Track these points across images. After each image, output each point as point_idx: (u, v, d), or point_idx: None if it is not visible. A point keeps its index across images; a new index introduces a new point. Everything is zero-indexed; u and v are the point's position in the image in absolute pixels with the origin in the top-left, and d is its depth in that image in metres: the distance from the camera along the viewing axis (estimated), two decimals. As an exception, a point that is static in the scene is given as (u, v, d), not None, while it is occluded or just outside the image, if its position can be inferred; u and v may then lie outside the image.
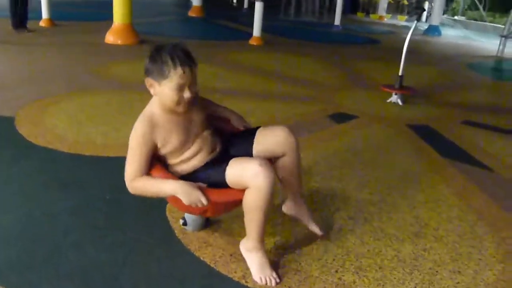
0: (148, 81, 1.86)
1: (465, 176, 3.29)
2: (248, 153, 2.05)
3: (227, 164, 1.89)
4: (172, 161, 1.96)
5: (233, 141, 2.12)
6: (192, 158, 1.96)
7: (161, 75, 1.80)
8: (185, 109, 1.90)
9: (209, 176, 1.91)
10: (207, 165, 1.96)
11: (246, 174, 1.81)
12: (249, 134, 2.11)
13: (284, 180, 2.17)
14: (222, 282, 1.92)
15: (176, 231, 2.24)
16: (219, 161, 1.95)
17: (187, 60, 1.80)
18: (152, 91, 1.88)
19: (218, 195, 1.90)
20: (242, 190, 1.86)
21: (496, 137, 4.35)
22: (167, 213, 2.39)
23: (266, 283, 1.90)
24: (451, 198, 2.90)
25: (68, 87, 4.84)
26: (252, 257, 1.95)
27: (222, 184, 1.89)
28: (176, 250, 2.10)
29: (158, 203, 2.37)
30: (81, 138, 3.40)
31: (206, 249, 2.12)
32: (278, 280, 1.92)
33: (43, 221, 2.25)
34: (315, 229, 2.24)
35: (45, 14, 9.58)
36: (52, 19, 9.70)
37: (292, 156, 2.07)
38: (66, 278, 1.85)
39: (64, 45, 7.68)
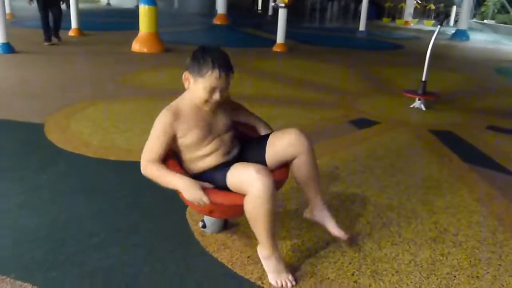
0: (186, 75, 1.97)
1: (487, 182, 3.25)
2: (261, 158, 2.09)
3: (228, 168, 1.95)
4: (188, 155, 2.04)
5: (247, 146, 2.17)
6: (207, 156, 2.03)
7: (199, 73, 1.91)
8: (211, 109, 2.00)
9: (214, 178, 1.97)
10: (218, 167, 2.01)
11: (243, 180, 1.84)
12: (263, 139, 2.15)
13: (301, 183, 2.18)
14: (238, 283, 1.96)
15: (195, 233, 2.30)
16: (230, 164, 1.98)
17: (225, 66, 1.91)
18: (186, 84, 2.00)
19: (220, 197, 1.93)
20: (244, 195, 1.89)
21: (523, 143, 4.28)
22: (187, 216, 2.45)
23: (282, 286, 1.93)
24: (473, 204, 2.88)
25: (95, 95, 4.99)
26: (267, 262, 1.97)
27: (226, 187, 1.95)
28: (195, 251, 2.16)
29: (179, 207, 2.43)
30: (106, 144, 3.50)
31: (224, 251, 2.17)
32: (294, 283, 1.95)
33: (69, 224, 2.34)
34: (339, 233, 2.18)
35: (74, 24, 9.88)
36: (81, 28, 9.99)
37: (305, 157, 2.09)
38: (89, 277, 1.92)
39: (91, 54, 7.91)
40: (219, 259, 2.11)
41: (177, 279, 1.95)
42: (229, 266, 2.06)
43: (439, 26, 5.16)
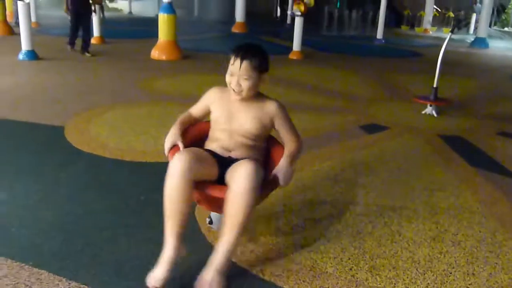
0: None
1: (492, 185, 3.30)
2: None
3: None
4: (209, 133, 2.29)
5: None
6: (211, 141, 2.24)
7: (230, 55, 2.15)
8: (236, 99, 2.17)
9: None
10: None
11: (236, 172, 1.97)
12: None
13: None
14: (241, 274, 2.07)
15: (202, 229, 2.42)
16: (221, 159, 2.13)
17: (243, 54, 2.09)
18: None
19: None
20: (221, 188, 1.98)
21: (532, 148, 4.30)
22: (196, 212, 2.57)
23: None
24: (475, 205, 2.93)
25: (113, 99, 5.18)
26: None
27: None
28: (201, 245, 2.28)
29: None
30: (123, 146, 3.66)
31: (228, 245, 2.27)
32: (159, 284, 1.88)
33: (83, 218, 2.49)
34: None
35: (96, 32, 10.17)
36: (103, 36, 10.28)
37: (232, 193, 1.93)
38: (100, 267, 2.05)
39: (112, 61, 8.15)
40: (223, 253, 2.22)
41: (183, 271, 2.07)
42: (233, 259, 2.17)
43: (450, 34, 5.22)
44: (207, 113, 2.31)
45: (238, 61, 2.08)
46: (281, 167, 2.11)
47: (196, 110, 2.34)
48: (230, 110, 2.20)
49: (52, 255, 2.12)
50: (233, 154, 2.19)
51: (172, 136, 2.18)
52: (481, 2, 14.75)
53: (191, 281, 1.91)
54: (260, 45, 2.21)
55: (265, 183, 1.99)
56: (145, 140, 3.81)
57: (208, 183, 2.04)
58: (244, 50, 2.11)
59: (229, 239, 1.91)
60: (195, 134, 2.35)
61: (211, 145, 2.23)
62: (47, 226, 2.37)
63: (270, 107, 2.25)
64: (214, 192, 2.01)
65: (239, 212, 1.87)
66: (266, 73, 2.21)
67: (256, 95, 2.24)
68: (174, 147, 2.15)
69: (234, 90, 2.14)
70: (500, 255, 2.37)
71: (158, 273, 1.89)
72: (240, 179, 1.88)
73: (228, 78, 2.15)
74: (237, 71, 2.09)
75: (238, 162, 2.01)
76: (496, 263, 2.29)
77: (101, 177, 3.07)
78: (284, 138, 2.30)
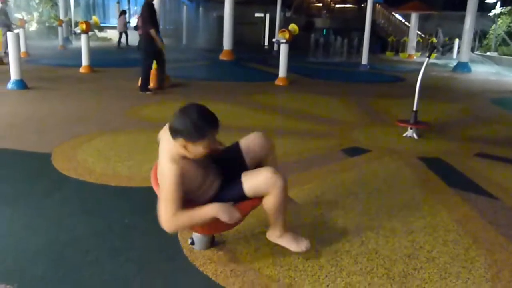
0: (182, 141, 2.10)
1: (468, 204, 3.41)
2: (244, 166, 2.39)
3: (239, 181, 2.26)
4: (193, 195, 2.23)
5: (224, 163, 2.39)
6: (209, 189, 2.29)
7: (196, 137, 2.08)
8: (203, 156, 2.20)
9: (230, 195, 2.26)
10: (224, 187, 2.31)
11: (264, 184, 2.23)
12: (235, 151, 2.42)
13: (269, 215, 2.42)
14: (220, 293, 2.14)
15: (184, 250, 2.49)
16: (228, 181, 2.30)
17: (213, 133, 2.13)
18: (183, 150, 2.12)
19: (245, 207, 2.27)
20: (260, 198, 2.29)
21: (508, 168, 4.44)
22: (179, 234, 2.64)
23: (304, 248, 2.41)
24: (451, 224, 3.03)
25: (100, 127, 5.27)
26: (286, 237, 2.43)
27: (240, 198, 2.27)
28: (183, 265, 2.35)
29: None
30: (108, 171, 3.74)
31: (209, 265, 2.35)
32: (309, 245, 2.43)
33: (67, 243, 2.55)
34: (295, 249, 2.45)
35: (85, 61, 10.31)
36: (91, 65, 10.42)
37: (276, 196, 2.27)
38: (84, 288, 2.11)
39: (100, 90, 8.27)
40: (204, 272, 2.29)
41: (164, 290, 2.14)
42: (213, 279, 2.24)
43: (427, 59, 5.42)
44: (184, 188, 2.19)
45: (214, 133, 2.13)
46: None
47: (179, 200, 2.12)
48: (204, 165, 2.25)
49: (37, 280, 2.17)
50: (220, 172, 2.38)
51: (225, 207, 2.13)
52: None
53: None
54: (200, 104, 2.17)
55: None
56: (131, 166, 3.88)
57: (243, 202, 2.27)
58: (213, 129, 2.12)
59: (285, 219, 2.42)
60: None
61: (210, 192, 2.29)
62: (32, 252, 2.43)
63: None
64: (257, 201, 2.30)
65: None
66: None
67: None
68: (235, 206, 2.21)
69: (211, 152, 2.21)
70: (472, 270, 2.46)
71: (305, 242, 2.43)
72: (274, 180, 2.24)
73: (207, 150, 2.14)
74: (214, 139, 2.16)
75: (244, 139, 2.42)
76: (468, 278, 2.38)
77: (86, 202, 3.14)
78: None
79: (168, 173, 2.10)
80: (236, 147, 2.43)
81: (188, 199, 2.17)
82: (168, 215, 2.10)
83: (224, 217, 2.10)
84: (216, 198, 2.27)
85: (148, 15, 7.79)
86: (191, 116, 2.08)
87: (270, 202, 2.27)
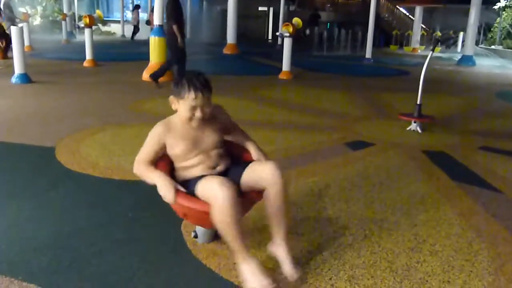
0: (171, 98, 2.27)
1: (472, 197, 3.40)
2: (238, 179, 2.29)
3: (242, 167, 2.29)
4: (177, 164, 2.33)
5: (233, 167, 2.38)
6: (192, 168, 2.29)
7: (180, 96, 2.21)
8: (197, 125, 2.26)
9: (192, 186, 2.21)
10: (198, 178, 2.23)
11: (207, 191, 2.09)
12: (246, 164, 2.35)
13: (268, 215, 2.28)
14: (223, 285, 2.15)
15: (188, 243, 2.50)
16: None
17: (200, 87, 2.18)
18: (173, 106, 2.29)
19: (186, 201, 2.15)
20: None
21: (512, 162, 4.43)
22: (182, 227, 2.65)
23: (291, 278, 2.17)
24: (454, 217, 3.03)
25: (104, 121, 5.28)
26: (242, 267, 2.12)
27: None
28: (186, 258, 2.36)
29: (175, 220, 2.63)
30: (112, 165, 3.75)
31: (212, 258, 2.36)
32: (273, 286, 2.07)
33: (71, 235, 2.56)
34: (289, 272, 2.19)
35: (88, 55, 10.32)
36: (95, 59, 10.43)
37: (274, 192, 2.20)
38: (88, 280, 2.13)
39: (104, 83, 8.27)
40: (207, 265, 2.30)
41: (168, 282, 2.15)
42: (216, 271, 2.25)
43: (431, 52, 5.39)
44: (163, 151, 2.31)
45: (199, 94, 2.16)
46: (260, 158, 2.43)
47: (151, 154, 2.29)
48: (192, 136, 2.28)
49: (41, 270, 2.19)
50: (219, 168, 2.33)
51: (167, 185, 2.15)
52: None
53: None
54: (201, 72, 2.26)
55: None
56: (134, 159, 3.88)
57: (197, 199, 2.16)
58: (201, 85, 2.18)
59: (286, 226, 2.27)
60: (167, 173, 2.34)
61: (194, 172, 2.29)
62: (36, 243, 2.44)
63: (217, 112, 2.41)
64: (204, 207, 2.10)
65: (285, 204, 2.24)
66: None
67: None
68: (178, 192, 2.16)
69: (199, 119, 2.22)
70: (475, 263, 2.46)
71: (264, 281, 2.05)
72: (276, 178, 2.19)
73: (189, 113, 2.20)
74: (200, 102, 2.18)
75: (254, 165, 2.30)
76: (471, 271, 2.38)
77: (90, 195, 3.15)
78: (237, 135, 2.54)
79: (152, 128, 2.32)
80: (248, 163, 2.36)
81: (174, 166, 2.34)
82: (136, 160, 2.34)
83: (159, 190, 2.17)
84: (189, 182, 2.26)
85: (172, 10, 7.81)
86: (181, 75, 2.27)
87: (213, 217, 2.05)
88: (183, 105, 2.21)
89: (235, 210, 2.02)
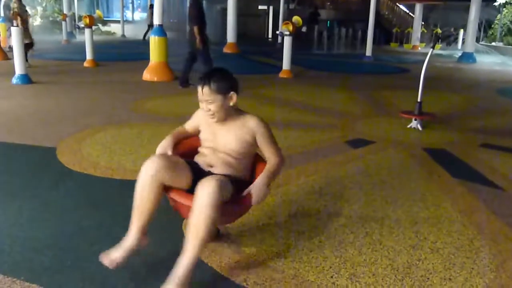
0: None
1: (473, 195, 3.40)
2: None
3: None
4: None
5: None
6: (198, 155, 2.40)
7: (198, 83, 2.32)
8: (211, 119, 2.30)
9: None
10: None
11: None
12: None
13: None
14: (225, 284, 2.15)
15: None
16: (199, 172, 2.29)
17: (201, 81, 2.24)
18: None
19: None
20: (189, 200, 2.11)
21: (513, 159, 4.43)
22: (183, 227, 2.65)
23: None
24: (455, 214, 3.03)
25: (105, 121, 5.29)
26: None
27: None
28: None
29: (176, 220, 2.63)
30: (113, 165, 3.75)
31: (214, 256, 2.36)
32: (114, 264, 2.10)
33: (73, 235, 2.57)
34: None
35: (89, 55, 10.32)
36: (95, 60, 10.43)
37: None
38: (89, 280, 2.13)
39: (104, 83, 8.28)
40: (209, 264, 2.30)
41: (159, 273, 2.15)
42: (218, 270, 2.26)
43: (431, 50, 5.38)
44: (198, 131, 2.45)
45: (199, 87, 2.24)
46: (256, 184, 2.21)
47: (189, 126, 2.49)
48: (213, 130, 2.35)
49: (43, 270, 2.20)
50: (214, 170, 2.32)
51: (162, 146, 2.35)
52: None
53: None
54: (223, 68, 2.33)
55: (238, 200, 2.17)
56: (135, 159, 3.89)
57: (179, 190, 2.19)
58: (204, 77, 2.25)
59: (190, 253, 2.00)
60: (186, 148, 2.49)
61: (198, 159, 2.39)
62: (38, 243, 2.45)
63: (250, 123, 2.31)
64: (181, 198, 2.15)
65: (200, 227, 1.96)
66: (232, 93, 2.27)
67: (235, 113, 2.33)
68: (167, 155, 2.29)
69: (208, 114, 2.28)
70: (476, 260, 2.46)
71: (114, 255, 2.09)
72: (203, 194, 1.97)
73: (200, 104, 2.32)
74: (201, 96, 2.25)
75: (206, 178, 2.05)
76: (472, 268, 2.38)
77: (91, 195, 3.16)
78: (265, 154, 2.36)
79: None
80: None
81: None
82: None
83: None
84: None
85: (196, 12, 7.94)
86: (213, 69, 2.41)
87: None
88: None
89: (145, 177, 2.17)
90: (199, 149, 2.42)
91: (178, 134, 2.46)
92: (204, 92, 2.23)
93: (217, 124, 2.32)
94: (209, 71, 2.32)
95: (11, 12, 9.40)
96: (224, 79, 2.26)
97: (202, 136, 2.41)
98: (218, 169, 2.30)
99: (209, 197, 1.95)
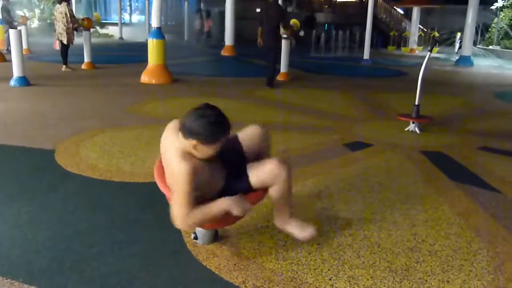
0: (194, 142, 2.11)
1: (470, 197, 3.41)
2: (244, 157, 2.42)
3: (245, 174, 2.31)
4: (201, 192, 2.20)
5: (225, 155, 2.34)
6: (217, 183, 2.31)
7: (211, 141, 2.12)
8: (212, 157, 2.22)
9: (237, 188, 2.28)
10: (228, 182, 2.32)
11: (269, 175, 2.28)
12: (234, 143, 2.42)
13: (275, 200, 2.42)
14: (224, 286, 2.16)
15: (188, 244, 2.51)
16: (233, 175, 2.33)
17: (228, 128, 2.16)
18: (193, 150, 2.13)
19: (253, 198, 2.30)
20: (265, 189, 2.35)
21: (511, 162, 4.44)
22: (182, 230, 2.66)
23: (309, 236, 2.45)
24: (452, 217, 3.04)
25: (103, 124, 5.29)
26: (292, 224, 2.46)
27: (247, 190, 2.30)
28: (186, 260, 2.36)
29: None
30: (111, 167, 3.75)
31: (212, 259, 2.37)
32: (315, 232, 2.46)
33: (72, 237, 2.57)
34: (300, 234, 2.48)
35: (86, 58, 10.32)
36: (93, 62, 10.43)
37: (281, 183, 2.33)
38: (88, 282, 2.14)
39: (102, 86, 8.28)
40: (207, 266, 2.31)
41: (168, 284, 2.15)
42: (217, 272, 2.26)
43: (428, 53, 5.41)
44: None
45: (226, 137, 2.17)
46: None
47: (192, 197, 2.13)
48: (212, 166, 2.25)
49: (42, 272, 2.20)
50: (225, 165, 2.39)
51: (235, 200, 2.15)
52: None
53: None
54: (215, 107, 2.18)
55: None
56: (133, 161, 3.90)
57: (251, 193, 2.30)
58: (226, 127, 2.15)
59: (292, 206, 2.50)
60: None
61: (220, 182, 2.33)
62: (37, 245, 2.45)
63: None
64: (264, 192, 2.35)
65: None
66: None
67: None
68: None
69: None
70: (474, 263, 2.47)
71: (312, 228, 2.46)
72: (285, 168, 2.30)
73: (211, 152, 2.16)
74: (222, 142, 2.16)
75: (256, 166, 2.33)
76: (470, 270, 2.39)
77: (90, 197, 3.16)
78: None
79: (180, 171, 2.06)
80: (235, 140, 2.44)
81: (198, 195, 2.16)
82: (183, 214, 2.11)
83: (236, 210, 2.13)
84: (224, 191, 2.27)
85: (281, 13, 8.71)
86: (209, 119, 2.10)
87: (276, 192, 2.33)
88: (212, 148, 2.14)
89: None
90: (209, 184, 2.27)
91: (198, 207, 2.15)
92: (227, 136, 2.18)
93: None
94: (221, 115, 2.15)
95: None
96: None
97: (205, 178, 2.20)
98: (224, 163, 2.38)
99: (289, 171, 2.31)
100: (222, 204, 2.14)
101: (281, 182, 2.31)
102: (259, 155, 2.46)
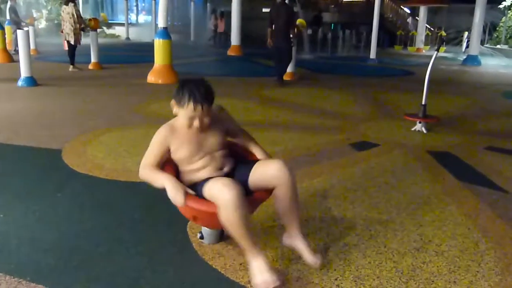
0: (172, 102, 2.28)
1: (477, 197, 3.39)
2: (245, 180, 2.31)
3: (247, 170, 2.30)
4: (182, 168, 2.33)
5: (239, 166, 2.40)
6: (198, 171, 2.30)
7: (180, 103, 2.23)
8: (197, 131, 2.26)
9: (200, 189, 2.20)
10: (204, 181, 2.24)
11: (213, 193, 2.09)
12: (252, 163, 2.37)
13: (279, 211, 2.36)
14: (230, 286, 2.16)
15: (193, 244, 2.51)
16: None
17: (200, 99, 2.17)
18: (173, 111, 2.30)
19: (195, 203, 2.15)
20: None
21: (518, 162, 4.42)
22: (188, 229, 2.66)
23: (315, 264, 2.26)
24: (459, 217, 3.03)
25: (110, 123, 5.31)
26: (251, 264, 2.13)
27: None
28: (192, 259, 2.37)
29: (180, 222, 2.65)
30: (118, 167, 3.77)
31: (218, 259, 2.37)
32: (277, 283, 2.07)
33: (79, 236, 2.58)
34: (310, 259, 2.28)
35: (93, 58, 10.37)
36: (100, 62, 10.48)
37: (284, 189, 2.25)
38: (95, 281, 2.14)
39: (109, 86, 8.32)
40: (213, 266, 2.31)
41: (174, 283, 2.16)
42: (222, 272, 2.26)
43: (435, 52, 5.38)
44: (167, 157, 2.32)
45: (199, 107, 2.17)
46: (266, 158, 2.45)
47: (156, 158, 2.29)
48: (195, 140, 2.28)
49: (49, 270, 2.21)
50: (226, 169, 2.35)
51: (176, 188, 2.14)
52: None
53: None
54: (203, 79, 2.27)
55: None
56: (139, 161, 3.89)
57: (206, 201, 2.16)
58: (201, 96, 2.17)
59: (298, 218, 2.36)
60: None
61: (201, 174, 2.30)
62: (45, 244, 2.46)
63: (219, 114, 2.43)
64: (213, 208, 2.10)
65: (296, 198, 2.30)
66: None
67: None
68: (187, 195, 2.15)
69: (197, 128, 2.23)
70: (481, 263, 2.46)
71: (269, 278, 2.06)
72: (291, 174, 2.24)
73: (187, 121, 2.21)
74: (199, 113, 2.19)
75: (261, 164, 2.32)
76: (477, 271, 2.38)
77: (96, 197, 3.17)
78: (239, 136, 2.52)
79: (156, 132, 2.31)
80: (253, 162, 2.37)
81: (179, 169, 2.34)
82: (141, 164, 2.33)
83: (168, 193, 2.14)
84: (197, 185, 2.25)
85: (292, 17, 8.98)
86: (182, 82, 2.27)
87: (220, 215, 2.07)
88: (182, 113, 2.23)
89: (240, 210, 2.03)
90: (187, 168, 2.31)
91: (159, 170, 2.27)
92: (204, 109, 2.19)
93: (198, 131, 2.27)
94: (199, 84, 2.22)
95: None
96: (212, 90, 2.26)
97: (183, 154, 2.28)
98: (227, 166, 2.36)
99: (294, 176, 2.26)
100: (163, 180, 2.19)
101: (286, 185, 2.24)
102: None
